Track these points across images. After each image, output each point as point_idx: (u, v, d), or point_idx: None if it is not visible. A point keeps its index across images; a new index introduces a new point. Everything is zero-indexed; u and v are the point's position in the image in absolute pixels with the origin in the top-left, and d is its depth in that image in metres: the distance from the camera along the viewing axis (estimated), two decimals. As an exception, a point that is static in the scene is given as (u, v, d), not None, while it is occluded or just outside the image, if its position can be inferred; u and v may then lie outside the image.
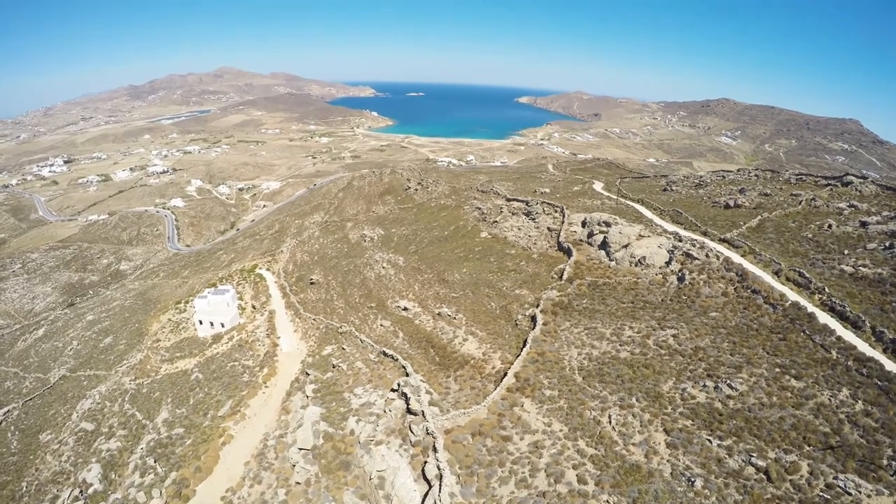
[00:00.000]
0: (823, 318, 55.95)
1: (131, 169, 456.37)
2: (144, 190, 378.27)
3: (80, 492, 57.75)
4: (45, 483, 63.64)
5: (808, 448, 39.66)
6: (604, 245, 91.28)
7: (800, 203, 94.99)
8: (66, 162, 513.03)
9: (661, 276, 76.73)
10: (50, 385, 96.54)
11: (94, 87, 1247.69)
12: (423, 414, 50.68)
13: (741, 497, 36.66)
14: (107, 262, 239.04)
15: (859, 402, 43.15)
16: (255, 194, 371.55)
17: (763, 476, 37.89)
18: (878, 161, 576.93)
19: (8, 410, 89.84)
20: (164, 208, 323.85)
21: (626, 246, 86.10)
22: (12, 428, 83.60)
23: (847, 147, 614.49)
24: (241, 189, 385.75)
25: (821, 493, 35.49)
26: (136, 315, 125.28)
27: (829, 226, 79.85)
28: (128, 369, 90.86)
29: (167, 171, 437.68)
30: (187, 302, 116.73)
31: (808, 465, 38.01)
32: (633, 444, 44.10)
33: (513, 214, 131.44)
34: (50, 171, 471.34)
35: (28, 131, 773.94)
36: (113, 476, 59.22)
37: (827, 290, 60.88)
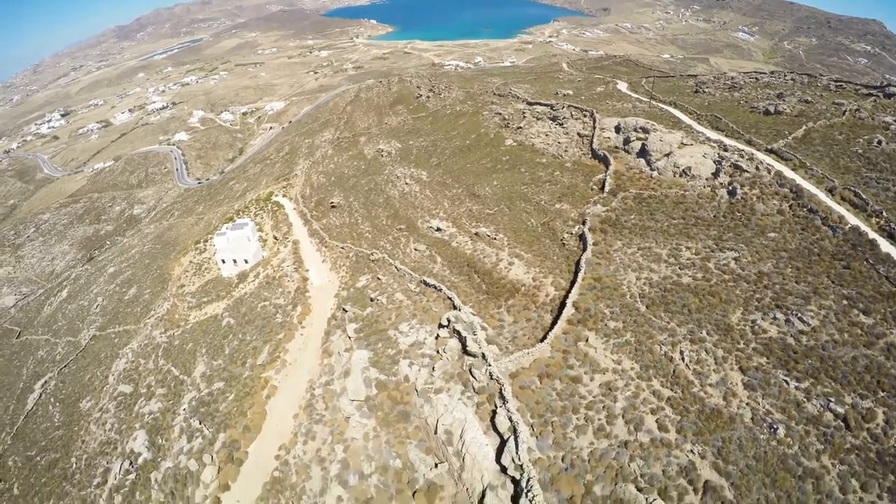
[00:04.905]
0: (885, 245, 51.18)
1: (130, 110, 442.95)
2: (147, 129, 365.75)
3: (130, 463, 54.74)
4: (93, 456, 60.94)
5: (882, 394, 37.01)
6: (643, 153, 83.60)
7: (843, 113, 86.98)
8: (63, 115, 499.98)
9: (709, 188, 70.47)
10: (82, 348, 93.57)
11: (79, 36, 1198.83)
12: (482, 356, 44.85)
13: (822, 446, 34.27)
14: (119, 209, 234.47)
15: (928, 343, 39.37)
16: (259, 117, 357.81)
17: (842, 423, 35.37)
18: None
19: (45, 381, 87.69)
20: (168, 144, 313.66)
21: (667, 154, 78.96)
22: (52, 399, 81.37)
23: (870, 49, 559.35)
24: (244, 113, 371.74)
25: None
26: (157, 260, 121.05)
27: (879, 142, 72.50)
28: (156, 321, 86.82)
29: (167, 106, 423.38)
30: (206, 241, 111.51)
31: (884, 412, 35.56)
32: (710, 385, 40.71)
33: (537, 119, 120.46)
34: (49, 127, 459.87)
35: (20, 92, 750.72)
36: (160, 441, 55.87)
37: (885, 213, 56.27)
